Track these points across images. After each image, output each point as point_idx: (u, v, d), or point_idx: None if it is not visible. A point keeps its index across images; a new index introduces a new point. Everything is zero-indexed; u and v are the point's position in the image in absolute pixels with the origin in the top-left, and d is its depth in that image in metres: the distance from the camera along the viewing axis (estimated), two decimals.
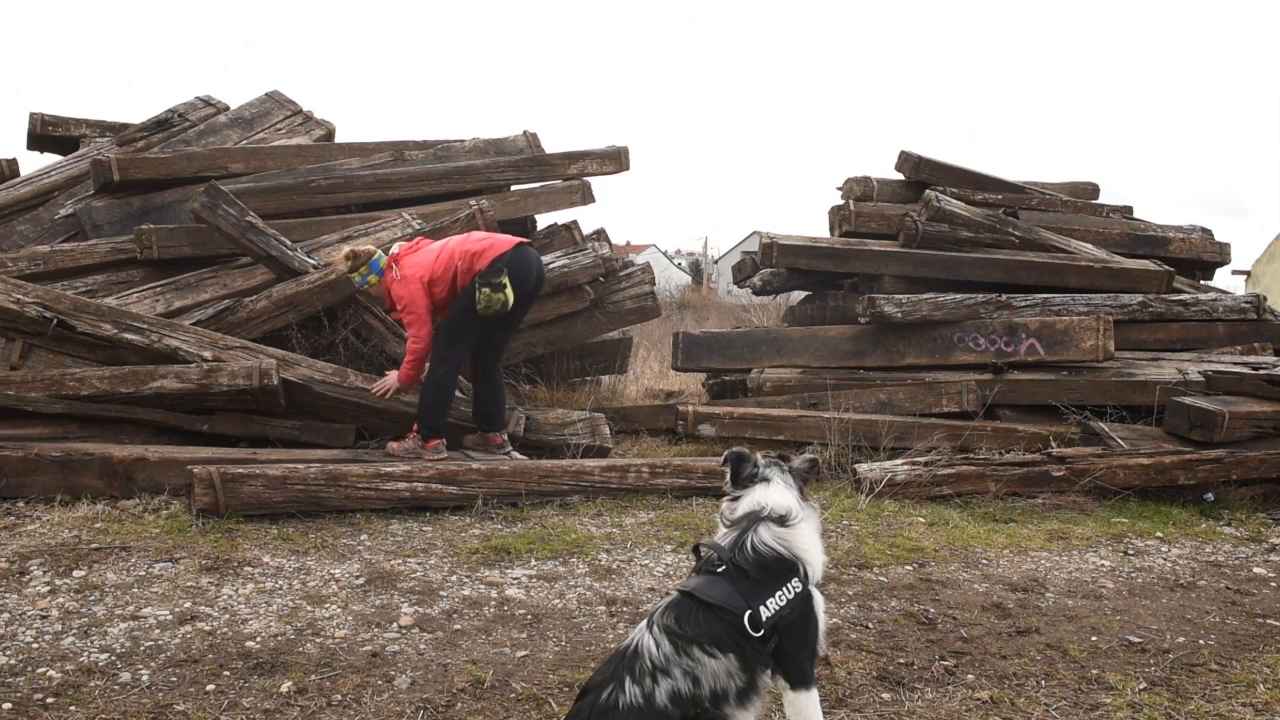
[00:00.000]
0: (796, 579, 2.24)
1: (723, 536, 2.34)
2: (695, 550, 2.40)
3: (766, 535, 2.25)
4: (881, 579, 4.10)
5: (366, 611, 3.49)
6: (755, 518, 2.29)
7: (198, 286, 6.38)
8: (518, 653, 3.19)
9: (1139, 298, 7.44)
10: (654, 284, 7.83)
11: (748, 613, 2.16)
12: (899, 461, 5.65)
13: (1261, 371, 6.01)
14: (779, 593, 2.21)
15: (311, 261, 6.26)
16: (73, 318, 5.28)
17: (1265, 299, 7.87)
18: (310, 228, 6.94)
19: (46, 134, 8.10)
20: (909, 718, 2.84)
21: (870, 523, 4.93)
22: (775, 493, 2.33)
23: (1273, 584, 4.27)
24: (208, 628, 3.29)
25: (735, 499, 2.38)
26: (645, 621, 2.22)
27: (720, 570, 2.24)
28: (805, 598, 2.25)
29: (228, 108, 8.27)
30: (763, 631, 2.16)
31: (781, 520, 2.28)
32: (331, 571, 3.90)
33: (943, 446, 5.97)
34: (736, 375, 7.25)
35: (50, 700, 2.74)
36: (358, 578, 3.83)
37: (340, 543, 4.27)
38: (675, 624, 2.16)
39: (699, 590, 2.21)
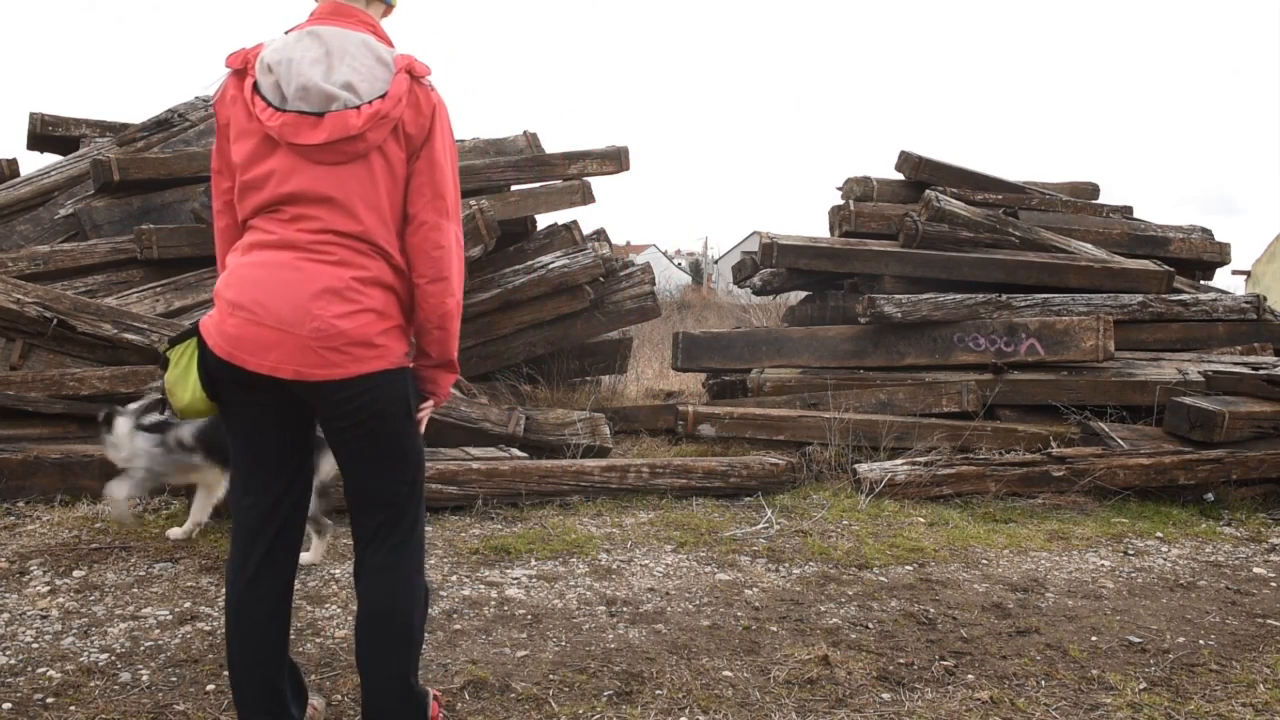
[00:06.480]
0: None
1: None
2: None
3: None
4: (881, 579, 4.10)
5: None
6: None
7: (198, 286, 6.37)
8: (518, 653, 3.19)
9: (1139, 298, 7.44)
10: (654, 284, 7.82)
11: None
12: (899, 461, 5.65)
13: (1261, 371, 6.01)
14: None
15: None
16: (73, 318, 5.28)
17: (1265, 299, 7.86)
18: None
19: (46, 134, 8.09)
20: (909, 718, 2.84)
21: (870, 523, 4.93)
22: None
23: (1273, 584, 4.27)
24: (208, 628, 3.29)
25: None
26: None
27: None
28: None
29: None
30: None
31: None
32: (331, 571, 3.90)
33: (943, 446, 5.97)
34: (736, 375, 7.25)
35: (50, 700, 2.74)
36: None
37: (340, 542, 4.26)
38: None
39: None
